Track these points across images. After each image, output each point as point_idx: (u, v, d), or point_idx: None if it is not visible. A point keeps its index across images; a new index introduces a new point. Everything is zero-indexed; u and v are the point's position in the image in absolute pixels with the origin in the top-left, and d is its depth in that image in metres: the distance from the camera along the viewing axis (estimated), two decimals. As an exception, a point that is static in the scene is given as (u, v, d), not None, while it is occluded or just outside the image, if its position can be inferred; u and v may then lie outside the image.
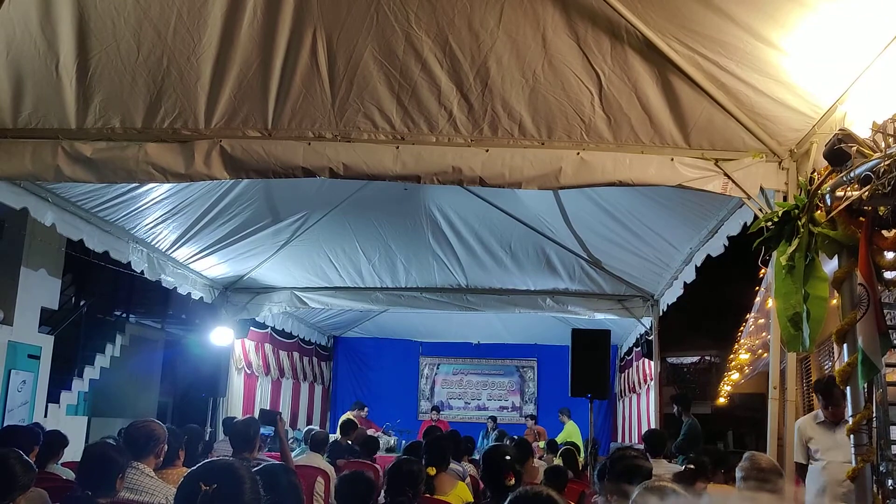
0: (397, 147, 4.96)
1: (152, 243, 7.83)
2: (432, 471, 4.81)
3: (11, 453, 3.11)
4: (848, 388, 3.61)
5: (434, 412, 14.14)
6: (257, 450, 5.42)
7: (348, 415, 12.35)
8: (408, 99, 4.82)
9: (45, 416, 8.41)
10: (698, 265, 7.42)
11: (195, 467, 2.09)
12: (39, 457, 5.09)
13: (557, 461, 7.16)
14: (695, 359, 20.25)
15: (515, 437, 9.93)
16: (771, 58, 4.18)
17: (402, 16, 4.42)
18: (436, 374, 16.12)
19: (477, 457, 8.52)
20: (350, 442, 8.62)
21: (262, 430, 5.69)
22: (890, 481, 3.36)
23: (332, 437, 9.35)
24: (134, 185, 6.33)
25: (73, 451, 5.91)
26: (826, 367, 5.89)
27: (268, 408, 11.90)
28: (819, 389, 5.55)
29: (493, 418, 13.63)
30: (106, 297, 11.80)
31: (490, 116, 4.87)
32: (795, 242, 3.87)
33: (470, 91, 4.75)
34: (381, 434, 11.58)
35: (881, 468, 3.39)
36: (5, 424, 6.55)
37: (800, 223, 3.88)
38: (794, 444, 5.48)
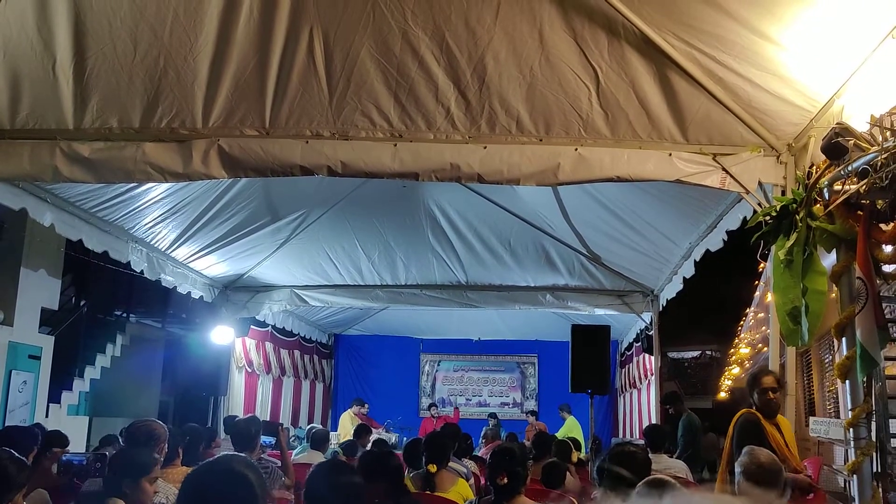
0: (395, 145, 4.95)
1: (151, 243, 7.83)
2: (433, 468, 4.82)
3: (3, 453, 3.07)
4: (847, 381, 3.62)
5: (433, 409, 14.22)
6: (259, 450, 5.42)
7: (349, 412, 12.37)
8: (405, 96, 4.81)
9: (47, 416, 8.41)
10: (697, 260, 7.42)
11: (196, 468, 2.08)
12: (38, 457, 5.08)
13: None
14: (695, 353, 20.26)
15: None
16: (768, 52, 4.18)
17: (398, 13, 4.42)
18: (436, 370, 16.12)
19: (478, 454, 8.53)
20: (364, 446, 8.53)
21: (263, 439, 5.67)
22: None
23: (332, 436, 9.35)
24: (132, 184, 6.32)
25: (74, 451, 5.90)
26: (826, 360, 5.72)
27: (269, 406, 11.97)
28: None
29: (494, 415, 13.64)
30: (106, 297, 11.80)
31: (488, 113, 4.86)
32: (794, 236, 3.87)
33: (467, 88, 4.74)
34: (381, 431, 11.59)
35: (881, 462, 3.39)
36: (6, 425, 6.54)
37: (798, 217, 3.88)
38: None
